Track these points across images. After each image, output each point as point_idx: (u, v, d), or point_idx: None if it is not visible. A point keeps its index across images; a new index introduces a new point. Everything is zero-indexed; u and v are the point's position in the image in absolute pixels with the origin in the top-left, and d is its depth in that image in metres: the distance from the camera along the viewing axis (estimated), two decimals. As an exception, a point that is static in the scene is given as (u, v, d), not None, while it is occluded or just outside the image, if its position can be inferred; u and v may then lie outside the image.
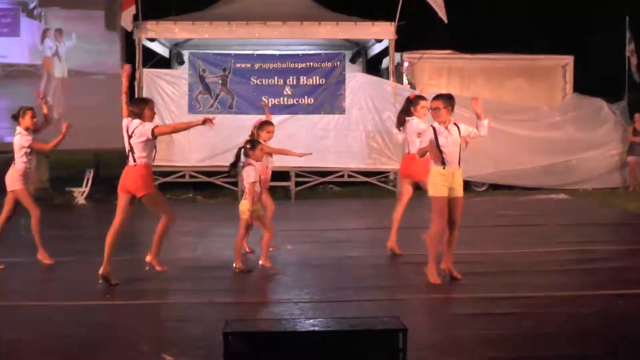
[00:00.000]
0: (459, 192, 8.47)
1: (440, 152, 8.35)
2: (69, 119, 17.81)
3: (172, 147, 17.44)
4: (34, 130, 9.64)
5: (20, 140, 9.51)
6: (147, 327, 7.00)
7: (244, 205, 8.98)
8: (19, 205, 9.54)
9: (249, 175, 8.95)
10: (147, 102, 8.60)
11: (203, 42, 18.79)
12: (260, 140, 9.58)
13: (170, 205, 8.84)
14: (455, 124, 8.50)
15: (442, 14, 17.31)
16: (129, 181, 8.45)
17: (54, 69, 18.31)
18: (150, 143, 8.38)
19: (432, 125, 8.45)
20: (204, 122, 8.25)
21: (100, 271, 8.40)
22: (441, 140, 8.34)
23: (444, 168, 8.36)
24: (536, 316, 7.10)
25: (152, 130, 8.29)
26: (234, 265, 8.97)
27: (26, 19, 18.29)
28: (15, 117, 9.62)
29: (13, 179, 9.47)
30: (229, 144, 17.02)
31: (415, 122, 9.68)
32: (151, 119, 8.44)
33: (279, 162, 17.06)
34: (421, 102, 9.69)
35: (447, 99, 8.53)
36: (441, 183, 8.36)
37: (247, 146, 9.11)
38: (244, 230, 9.12)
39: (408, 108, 9.83)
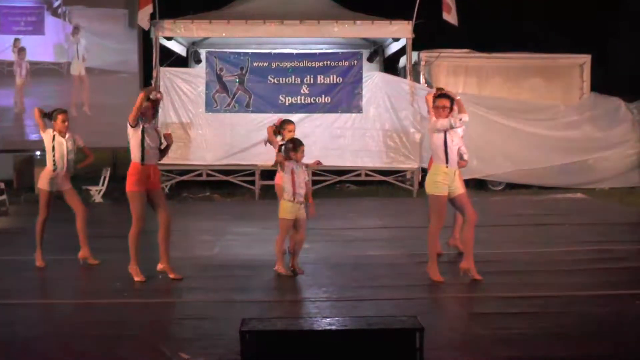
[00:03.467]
0: (461, 189, 8.51)
1: (446, 150, 8.36)
2: (89, 116, 18.10)
3: (189, 146, 17.51)
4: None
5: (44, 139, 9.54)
6: (164, 325, 7.04)
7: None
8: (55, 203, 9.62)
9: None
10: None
11: (220, 40, 18.83)
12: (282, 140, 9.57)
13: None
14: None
15: (454, 16, 17.32)
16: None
17: (71, 66, 18.52)
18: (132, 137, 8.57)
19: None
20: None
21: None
22: (448, 139, 8.37)
23: (447, 167, 8.38)
24: (553, 316, 7.09)
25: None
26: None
27: (51, 17, 18.50)
28: (49, 117, 9.51)
29: (40, 178, 9.54)
30: (245, 142, 17.14)
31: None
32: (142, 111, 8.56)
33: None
34: None
35: (451, 99, 8.55)
36: (443, 181, 8.38)
37: (290, 145, 9.04)
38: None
39: None
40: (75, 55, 18.56)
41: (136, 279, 8.59)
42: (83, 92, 18.53)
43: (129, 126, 8.50)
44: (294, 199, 8.88)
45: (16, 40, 18.43)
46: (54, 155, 9.43)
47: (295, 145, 8.97)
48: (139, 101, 8.36)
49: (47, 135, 9.45)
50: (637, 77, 20.33)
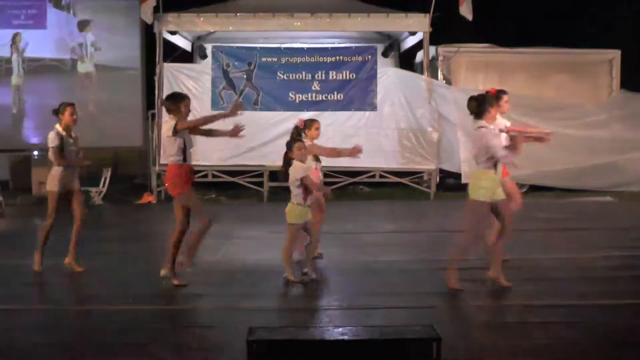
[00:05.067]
0: (502, 194, 8.51)
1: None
2: (87, 116, 18.21)
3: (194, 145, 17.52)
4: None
5: (50, 137, 9.51)
6: (167, 334, 7.06)
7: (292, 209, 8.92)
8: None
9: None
10: (183, 98, 8.79)
11: (227, 35, 18.86)
12: (309, 140, 9.61)
13: (204, 212, 8.78)
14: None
15: (467, 9, 17.29)
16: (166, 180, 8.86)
17: (78, 64, 18.68)
18: (176, 141, 8.50)
19: (484, 126, 8.41)
20: (233, 114, 8.76)
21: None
22: (496, 141, 8.36)
23: (495, 172, 8.38)
24: (577, 326, 7.06)
25: (174, 127, 8.44)
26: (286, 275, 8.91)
27: (53, 9, 18.46)
28: (56, 113, 9.57)
29: (49, 179, 9.52)
30: (253, 142, 17.13)
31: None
32: (186, 116, 8.65)
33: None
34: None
35: None
36: (488, 187, 8.37)
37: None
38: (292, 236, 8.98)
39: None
40: (84, 52, 18.67)
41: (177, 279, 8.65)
42: (90, 91, 18.66)
43: (169, 135, 8.56)
44: (305, 201, 8.88)
45: (16, 35, 18.44)
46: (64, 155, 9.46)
47: (288, 148, 9.10)
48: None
49: (54, 134, 9.49)
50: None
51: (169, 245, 8.74)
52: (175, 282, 8.69)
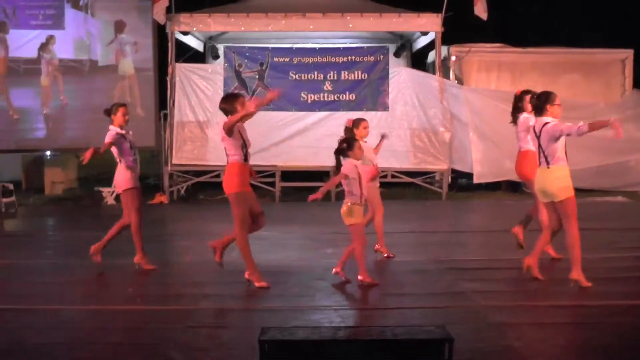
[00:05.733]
0: None
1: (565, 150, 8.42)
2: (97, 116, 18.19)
3: (206, 146, 17.58)
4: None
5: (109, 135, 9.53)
6: (178, 334, 7.04)
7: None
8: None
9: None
10: (237, 97, 8.71)
11: (239, 35, 18.89)
12: (357, 138, 9.61)
13: (244, 226, 8.70)
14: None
15: (482, 8, 17.25)
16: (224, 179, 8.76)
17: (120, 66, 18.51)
18: (234, 140, 8.48)
19: (549, 121, 8.46)
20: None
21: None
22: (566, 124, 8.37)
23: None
24: (590, 326, 7.03)
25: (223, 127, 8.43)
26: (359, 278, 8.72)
27: (71, 10, 18.31)
28: (108, 113, 9.65)
29: (124, 179, 9.56)
30: (265, 142, 17.15)
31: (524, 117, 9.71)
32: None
33: (317, 161, 17.15)
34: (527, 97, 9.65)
35: None
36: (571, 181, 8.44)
37: (344, 145, 8.73)
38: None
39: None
40: (125, 52, 18.50)
41: (260, 284, 8.58)
42: (134, 93, 18.50)
43: (223, 133, 8.49)
44: (361, 200, 8.78)
45: (51, 37, 18.26)
46: (134, 153, 9.61)
47: (349, 144, 8.76)
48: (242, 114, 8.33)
49: (114, 134, 9.50)
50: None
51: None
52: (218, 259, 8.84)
